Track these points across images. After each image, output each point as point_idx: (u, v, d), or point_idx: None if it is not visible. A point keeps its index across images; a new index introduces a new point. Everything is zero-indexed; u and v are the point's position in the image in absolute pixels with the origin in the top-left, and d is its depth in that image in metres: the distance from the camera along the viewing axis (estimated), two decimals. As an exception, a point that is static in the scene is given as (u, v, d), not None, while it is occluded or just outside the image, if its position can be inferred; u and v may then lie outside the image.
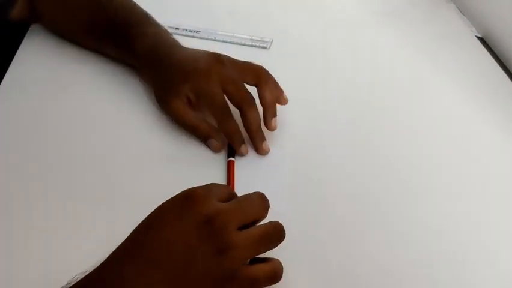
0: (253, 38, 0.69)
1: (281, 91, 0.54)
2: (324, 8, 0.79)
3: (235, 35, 0.69)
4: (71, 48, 0.65)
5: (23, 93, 0.59)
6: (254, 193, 0.39)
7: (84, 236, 0.45)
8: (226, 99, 0.52)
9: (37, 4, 0.65)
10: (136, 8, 0.62)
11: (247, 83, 0.53)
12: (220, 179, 0.50)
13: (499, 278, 0.43)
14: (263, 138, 0.53)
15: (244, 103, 0.52)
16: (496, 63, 0.69)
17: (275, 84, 0.54)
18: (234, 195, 0.40)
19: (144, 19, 0.61)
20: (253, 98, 0.52)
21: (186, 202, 0.37)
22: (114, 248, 0.36)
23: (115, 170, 0.51)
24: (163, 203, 0.37)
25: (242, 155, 0.52)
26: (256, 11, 0.76)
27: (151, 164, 0.52)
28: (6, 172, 0.50)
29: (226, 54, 0.55)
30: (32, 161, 0.51)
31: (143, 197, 0.46)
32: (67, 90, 0.60)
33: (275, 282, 0.37)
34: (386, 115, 0.60)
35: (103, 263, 0.35)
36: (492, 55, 0.71)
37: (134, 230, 0.37)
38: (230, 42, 0.68)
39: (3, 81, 0.60)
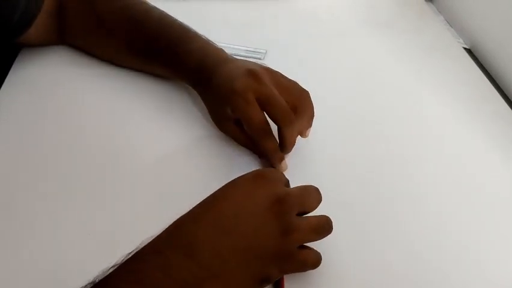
0: (247, 49, 0.70)
1: (310, 125, 0.54)
2: (316, 19, 0.80)
3: (229, 45, 0.69)
4: (74, 50, 0.66)
5: (25, 94, 0.60)
6: (311, 186, 0.43)
7: (85, 236, 0.45)
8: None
9: (67, 23, 0.62)
10: (176, 23, 0.60)
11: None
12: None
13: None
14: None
15: (282, 121, 0.50)
16: (483, 74, 0.71)
17: (310, 117, 0.53)
18: (289, 183, 0.44)
19: (186, 34, 0.59)
20: (292, 116, 0.50)
21: (260, 180, 0.40)
22: (113, 249, 0.37)
23: (116, 170, 0.52)
24: (236, 179, 0.41)
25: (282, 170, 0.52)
26: (251, 22, 0.77)
27: (161, 162, 0.53)
28: (6, 172, 0.51)
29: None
30: (32, 161, 0.52)
31: (146, 197, 0.49)
32: (69, 90, 0.61)
33: (315, 268, 0.42)
34: (376, 124, 0.61)
35: (170, 226, 0.37)
36: (479, 66, 0.73)
37: (204, 200, 0.39)
38: None
39: (5, 83, 0.60)
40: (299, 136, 0.54)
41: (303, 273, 0.42)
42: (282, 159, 0.53)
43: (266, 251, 0.38)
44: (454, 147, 0.59)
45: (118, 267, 0.35)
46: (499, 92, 0.68)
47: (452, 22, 0.83)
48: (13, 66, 0.63)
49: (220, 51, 0.57)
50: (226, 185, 0.40)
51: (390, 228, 0.49)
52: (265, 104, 0.50)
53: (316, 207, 0.42)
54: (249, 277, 0.38)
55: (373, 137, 0.59)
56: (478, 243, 0.49)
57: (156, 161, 0.53)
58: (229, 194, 0.40)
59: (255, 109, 0.50)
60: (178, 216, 0.39)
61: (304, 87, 0.53)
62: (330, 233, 0.41)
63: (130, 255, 0.36)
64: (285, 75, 0.54)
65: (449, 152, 0.58)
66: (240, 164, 0.54)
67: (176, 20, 0.60)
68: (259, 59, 0.69)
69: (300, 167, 0.53)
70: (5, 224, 0.46)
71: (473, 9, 0.78)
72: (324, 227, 0.41)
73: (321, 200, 0.42)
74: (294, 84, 0.54)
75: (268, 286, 0.41)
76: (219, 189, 0.40)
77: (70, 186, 0.50)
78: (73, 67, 0.64)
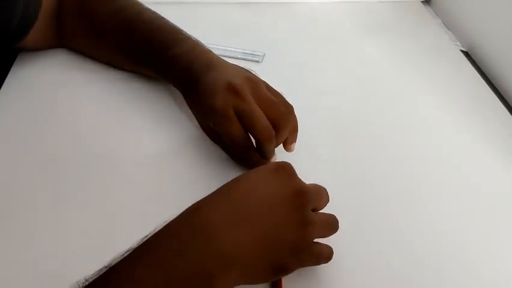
0: (245, 51, 0.70)
1: (294, 140, 0.54)
2: (314, 23, 0.80)
3: (227, 48, 0.70)
4: (72, 52, 0.66)
5: (23, 97, 0.60)
6: (321, 186, 0.43)
7: (82, 237, 0.46)
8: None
9: (64, 28, 0.63)
10: (166, 25, 0.59)
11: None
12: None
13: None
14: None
15: (261, 138, 0.50)
16: (481, 77, 0.71)
17: (293, 132, 0.53)
18: None
19: (175, 37, 0.58)
20: (271, 132, 0.50)
21: (282, 172, 0.40)
22: (110, 248, 0.37)
23: (116, 172, 0.52)
24: (257, 168, 0.41)
25: None
26: (248, 25, 0.77)
27: (157, 165, 0.53)
28: (4, 174, 0.51)
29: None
30: (30, 163, 0.52)
31: (145, 198, 0.49)
32: (68, 93, 0.61)
33: (327, 262, 0.42)
34: (373, 127, 0.61)
35: (186, 210, 0.37)
36: (477, 69, 0.73)
37: (223, 187, 0.39)
38: (222, 56, 0.68)
39: (4, 85, 0.61)
40: (298, 137, 0.54)
41: (302, 274, 0.43)
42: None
43: (284, 242, 0.38)
44: (451, 149, 0.59)
45: (133, 251, 0.35)
46: (496, 95, 0.68)
47: (450, 25, 0.83)
48: (12, 68, 0.63)
49: (207, 54, 0.56)
50: (244, 174, 0.40)
51: (388, 228, 0.49)
52: (245, 120, 0.50)
53: (324, 207, 0.43)
54: (267, 266, 0.38)
55: (371, 140, 0.59)
56: (476, 243, 0.49)
57: (155, 161, 0.53)
58: (250, 182, 0.40)
59: (234, 126, 0.50)
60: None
61: (302, 90, 0.53)
62: (336, 231, 0.43)
63: (145, 240, 0.36)
64: (284, 78, 0.54)
65: (447, 154, 0.58)
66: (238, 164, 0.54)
67: (168, 21, 0.60)
68: (257, 61, 0.69)
69: (297, 168, 0.53)
70: (4, 224, 0.46)
71: (471, 12, 0.78)
72: (334, 223, 0.43)
73: (329, 201, 0.43)
74: (278, 97, 0.53)
75: (268, 284, 0.42)
76: (238, 177, 0.40)
77: (68, 188, 0.50)
78: (71, 69, 0.64)
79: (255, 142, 0.51)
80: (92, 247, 0.44)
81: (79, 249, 0.44)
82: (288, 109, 0.52)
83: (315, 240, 0.42)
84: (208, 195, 0.39)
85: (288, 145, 0.53)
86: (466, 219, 0.51)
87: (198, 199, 0.39)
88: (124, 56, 0.61)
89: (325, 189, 0.43)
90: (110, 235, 0.46)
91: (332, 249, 0.43)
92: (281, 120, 0.51)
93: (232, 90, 0.50)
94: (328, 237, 0.42)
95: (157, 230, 0.36)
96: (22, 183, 0.50)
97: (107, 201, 0.49)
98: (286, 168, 0.41)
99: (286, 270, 0.40)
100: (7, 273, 0.42)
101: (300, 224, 0.39)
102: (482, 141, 0.60)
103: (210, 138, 0.55)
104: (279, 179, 0.40)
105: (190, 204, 0.39)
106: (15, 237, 0.45)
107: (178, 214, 0.37)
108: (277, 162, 0.42)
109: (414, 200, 0.52)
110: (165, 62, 0.57)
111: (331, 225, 0.43)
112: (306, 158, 0.55)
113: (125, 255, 0.35)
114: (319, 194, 0.42)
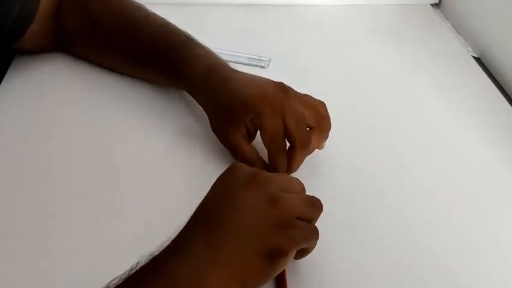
0: (250, 56, 0.69)
1: (327, 138, 0.53)
2: (321, 27, 0.79)
3: (232, 53, 0.68)
4: (70, 56, 0.64)
5: (20, 100, 0.59)
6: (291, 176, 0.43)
7: (79, 238, 0.45)
8: None
9: (63, 30, 0.61)
10: (178, 30, 0.58)
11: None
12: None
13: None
14: None
15: (299, 143, 0.49)
16: (493, 84, 0.69)
17: (327, 132, 0.52)
18: None
19: (189, 41, 0.57)
20: (309, 141, 0.50)
21: (234, 170, 0.40)
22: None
23: (115, 174, 0.52)
24: (223, 175, 0.41)
25: None
26: (254, 30, 0.76)
27: (157, 169, 0.53)
28: (5, 173, 0.51)
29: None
30: (27, 165, 0.52)
31: (144, 202, 0.49)
32: (65, 97, 0.60)
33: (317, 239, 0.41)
34: (380, 132, 0.60)
35: (174, 243, 0.37)
36: (489, 76, 0.71)
37: (201, 210, 0.39)
38: (227, 61, 0.67)
39: (2, 83, 0.60)
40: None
41: (304, 272, 0.43)
42: None
43: (261, 224, 0.37)
44: (462, 158, 0.58)
45: (143, 267, 0.35)
46: (509, 103, 0.66)
47: (461, 29, 0.81)
48: (8, 71, 0.62)
49: (226, 63, 0.55)
50: (217, 182, 0.41)
51: (393, 228, 0.49)
52: (290, 122, 0.49)
53: (300, 192, 0.42)
54: (256, 255, 0.36)
55: (377, 144, 0.58)
56: (481, 246, 0.48)
57: (152, 169, 0.53)
58: (212, 189, 0.40)
59: (279, 121, 0.49)
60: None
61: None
62: (322, 210, 0.41)
63: (132, 273, 0.36)
64: (289, 84, 0.53)
65: (457, 162, 0.57)
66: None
67: (180, 28, 0.59)
68: (263, 67, 0.67)
69: (306, 172, 0.52)
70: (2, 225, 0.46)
71: (483, 15, 0.76)
72: (314, 202, 0.41)
73: (305, 190, 0.42)
74: (314, 100, 0.52)
75: (270, 281, 0.41)
76: (211, 190, 0.40)
77: (65, 190, 0.49)
78: (69, 73, 0.63)
79: (289, 147, 0.50)
80: (91, 247, 0.44)
81: (78, 252, 0.44)
82: (324, 107, 0.52)
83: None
84: (188, 224, 0.38)
85: (322, 144, 0.53)
86: (479, 227, 0.50)
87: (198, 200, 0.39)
88: (132, 60, 0.59)
89: (296, 179, 0.42)
90: (108, 241, 0.45)
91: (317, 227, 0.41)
92: (321, 121, 0.51)
93: (282, 88, 0.50)
94: (329, 237, 0.42)
95: (142, 264, 0.36)
96: (18, 189, 0.49)
97: (105, 206, 0.48)
98: (236, 165, 0.41)
99: (281, 251, 0.37)
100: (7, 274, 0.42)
101: (269, 200, 0.38)
102: (496, 150, 0.59)
103: (223, 140, 0.53)
104: (234, 173, 0.40)
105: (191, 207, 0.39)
106: (10, 238, 0.45)
107: (165, 247, 0.37)
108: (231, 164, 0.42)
109: (422, 200, 0.52)
110: (181, 62, 0.55)
111: (311, 202, 0.41)
112: (315, 163, 0.53)
113: (133, 272, 0.35)
114: (280, 176, 0.41)
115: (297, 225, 0.38)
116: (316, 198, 0.41)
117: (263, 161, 0.51)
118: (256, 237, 0.36)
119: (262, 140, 0.50)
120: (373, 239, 0.47)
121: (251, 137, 0.52)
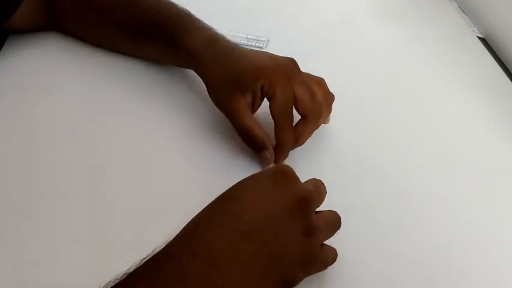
0: (248, 37, 0.68)
1: (330, 111, 0.53)
2: (322, 8, 0.77)
3: (230, 33, 0.66)
4: (64, 35, 0.63)
5: (13, 83, 0.57)
6: (318, 180, 0.40)
7: (74, 236, 0.44)
8: None
9: (57, 8, 0.60)
10: (176, 4, 0.57)
11: None
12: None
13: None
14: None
15: (312, 115, 0.49)
16: (498, 65, 0.68)
17: (331, 107, 0.53)
18: None
19: (188, 14, 0.56)
20: (321, 113, 0.50)
21: (280, 180, 0.37)
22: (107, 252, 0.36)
23: (109, 169, 0.50)
24: (252, 176, 0.38)
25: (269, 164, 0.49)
26: (253, 10, 0.74)
27: (158, 162, 0.51)
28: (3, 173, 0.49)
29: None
30: (18, 153, 0.50)
31: (143, 199, 0.48)
32: (59, 80, 0.59)
33: (332, 264, 0.40)
34: (385, 114, 0.59)
35: (183, 230, 0.35)
36: (494, 57, 0.70)
37: (218, 200, 0.36)
38: None
39: None
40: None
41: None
42: (286, 157, 0.50)
43: (289, 255, 0.35)
44: (467, 140, 0.57)
45: (131, 274, 0.33)
46: (514, 84, 0.64)
47: (466, 9, 0.79)
48: (0, 53, 0.60)
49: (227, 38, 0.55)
50: (242, 183, 0.37)
51: (398, 226, 0.47)
52: (303, 92, 0.48)
53: (336, 227, 0.40)
54: (271, 282, 0.35)
55: (380, 129, 0.57)
56: (493, 243, 0.47)
57: (153, 161, 0.51)
58: (247, 194, 0.36)
59: (291, 91, 0.48)
60: (176, 219, 0.36)
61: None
62: (339, 228, 0.40)
63: (144, 262, 0.33)
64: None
65: (462, 144, 0.56)
66: (239, 165, 0.51)
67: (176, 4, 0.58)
68: (261, 47, 0.66)
69: (303, 161, 0.51)
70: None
71: (489, -4, 0.74)
72: (336, 222, 0.40)
73: (326, 192, 0.40)
74: (317, 77, 0.53)
75: None
76: (233, 188, 0.37)
77: (60, 184, 0.48)
78: (63, 54, 0.61)
79: (301, 118, 0.50)
80: (90, 247, 0.43)
81: (72, 252, 0.43)
82: (324, 83, 0.53)
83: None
84: (204, 212, 0.36)
85: (327, 118, 0.53)
86: (487, 220, 0.49)
87: (202, 200, 0.37)
88: (127, 31, 0.58)
89: (321, 182, 0.40)
90: (109, 239, 0.44)
91: (335, 250, 0.40)
92: (327, 96, 0.52)
93: (293, 61, 0.51)
94: (333, 239, 0.40)
95: (154, 253, 0.34)
96: (12, 185, 0.48)
97: (106, 201, 0.47)
98: (286, 174, 0.38)
99: (294, 283, 0.36)
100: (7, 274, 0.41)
101: (305, 233, 0.36)
102: (501, 133, 0.58)
103: (224, 108, 0.51)
104: (279, 186, 0.37)
105: (193, 205, 0.36)
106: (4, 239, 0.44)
107: (176, 234, 0.35)
108: (276, 167, 0.39)
109: (427, 194, 0.51)
110: (181, 32, 0.54)
111: (334, 225, 0.40)
112: (313, 150, 0.53)
113: (122, 278, 0.33)
114: (319, 194, 0.39)
115: (317, 259, 0.37)
116: (337, 214, 0.40)
117: (268, 137, 0.50)
118: (278, 269, 0.35)
119: (271, 111, 0.48)
120: (378, 231, 0.47)
121: (255, 107, 0.51)
